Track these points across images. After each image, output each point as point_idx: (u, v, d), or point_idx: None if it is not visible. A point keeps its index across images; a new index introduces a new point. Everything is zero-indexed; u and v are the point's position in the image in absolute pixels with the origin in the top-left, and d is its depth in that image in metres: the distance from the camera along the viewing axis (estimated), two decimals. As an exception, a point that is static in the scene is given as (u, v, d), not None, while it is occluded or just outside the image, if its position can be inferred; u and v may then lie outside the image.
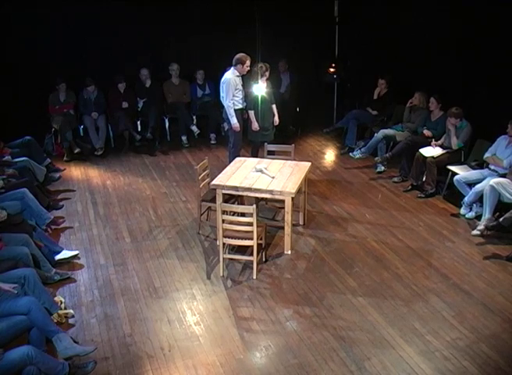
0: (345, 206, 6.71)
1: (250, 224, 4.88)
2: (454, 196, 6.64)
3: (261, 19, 7.26)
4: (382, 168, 7.81)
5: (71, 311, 4.56)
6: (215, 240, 5.80)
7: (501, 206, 5.79)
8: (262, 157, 6.69)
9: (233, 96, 6.93)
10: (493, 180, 5.79)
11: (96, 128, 8.74)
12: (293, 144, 6.79)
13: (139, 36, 8.82)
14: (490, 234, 5.71)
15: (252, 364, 4.00)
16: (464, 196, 6.30)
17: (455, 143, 6.85)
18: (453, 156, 6.88)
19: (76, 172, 8.04)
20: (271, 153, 6.79)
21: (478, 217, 6.07)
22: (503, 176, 5.96)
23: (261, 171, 5.82)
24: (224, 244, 5.13)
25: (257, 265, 5.17)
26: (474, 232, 5.86)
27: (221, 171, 6.00)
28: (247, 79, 7.09)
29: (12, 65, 8.16)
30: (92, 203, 6.91)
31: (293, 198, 5.44)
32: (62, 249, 5.43)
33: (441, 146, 7.06)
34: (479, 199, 6.06)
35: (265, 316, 4.54)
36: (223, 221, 4.98)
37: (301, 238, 5.91)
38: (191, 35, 9.06)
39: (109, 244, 5.82)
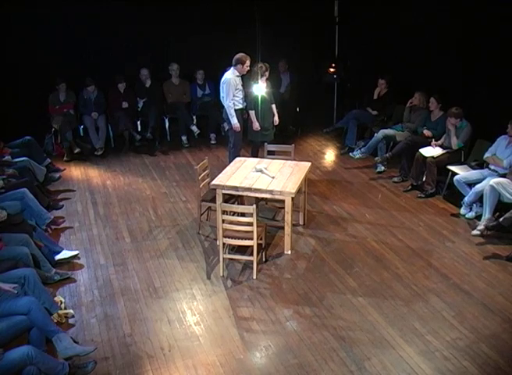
0: (345, 206, 6.71)
1: (250, 224, 4.88)
2: (454, 196, 6.64)
3: (261, 19, 7.26)
4: (382, 168, 7.81)
5: (71, 311, 4.56)
6: (215, 240, 5.80)
7: (501, 206, 5.79)
8: (262, 157, 6.69)
9: (234, 96, 6.93)
10: (493, 180, 5.79)
11: (96, 128, 8.75)
12: (293, 144, 6.79)
13: (139, 36, 8.82)
14: (490, 234, 5.71)
15: (252, 364, 4.00)
16: (464, 196, 6.30)
17: (455, 143, 6.85)
18: (453, 156, 6.88)
19: (76, 172, 8.05)
20: (271, 153, 6.79)
21: (478, 217, 6.07)
22: (503, 176, 5.96)
23: (261, 171, 5.82)
24: (224, 244, 5.13)
25: (257, 265, 5.17)
26: (474, 232, 5.86)
27: (221, 171, 6.00)
28: (247, 79, 7.09)
29: (12, 65, 8.17)
30: (92, 203, 6.91)
31: (293, 198, 5.44)
32: (62, 249, 5.43)
33: (441, 146, 7.06)
34: (479, 199, 6.06)
35: (265, 316, 4.54)
36: (223, 221, 4.98)
37: (301, 238, 5.91)
38: (191, 35, 9.06)
39: (109, 244, 5.82)
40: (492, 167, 6.24)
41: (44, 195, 6.45)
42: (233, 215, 5.31)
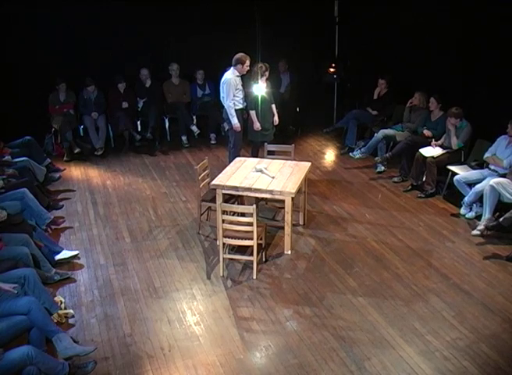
0: (345, 206, 6.71)
1: (250, 224, 4.88)
2: (454, 196, 6.64)
3: (261, 19, 7.26)
4: (382, 168, 7.81)
5: (71, 311, 4.57)
6: (215, 240, 5.80)
7: (501, 206, 5.79)
8: (262, 157, 6.69)
9: (234, 96, 6.93)
10: (493, 180, 5.79)
11: (96, 128, 8.74)
12: (293, 144, 6.79)
13: (139, 36, 8.81)
14: (490, 234, 5.71)
15: (252, 364, 4.00)
16: (464, 196, 6.30)
17: (455, 143, 6.85)
18: (453, 156, 6.88)
19: (76, 172, 8.05)
20: (271, 153, 6.80)
21: (478, 217, 6.07)
22: (503, 176, 5.96)
23: (261, 171, 5.83)
24: (224, 244, 5.13)
25: (257, 265, 5.17)
26: (474, 232, 5.86)
27: (221, 171, 6.00)
28: (247, 79, 7.09)
29: (12, 65, 8.16)
30: (92, 203, 6.91)
31: (293, 198, 5.44)
32: (62, 249, 5.43)
33: (441, 146, 7.06)
34: (479, 199, 6.06)
35: (265, 316, 4.54)
36: (223, 221, 4.98)
37: (301, 238, 5.91)
38: (191, 35, 9.06)
39: (109, 244, 5.82)
40: (492, 167, 6.24)
41: (44, 195, 6.45)
42: (233, 215, 5.31)
